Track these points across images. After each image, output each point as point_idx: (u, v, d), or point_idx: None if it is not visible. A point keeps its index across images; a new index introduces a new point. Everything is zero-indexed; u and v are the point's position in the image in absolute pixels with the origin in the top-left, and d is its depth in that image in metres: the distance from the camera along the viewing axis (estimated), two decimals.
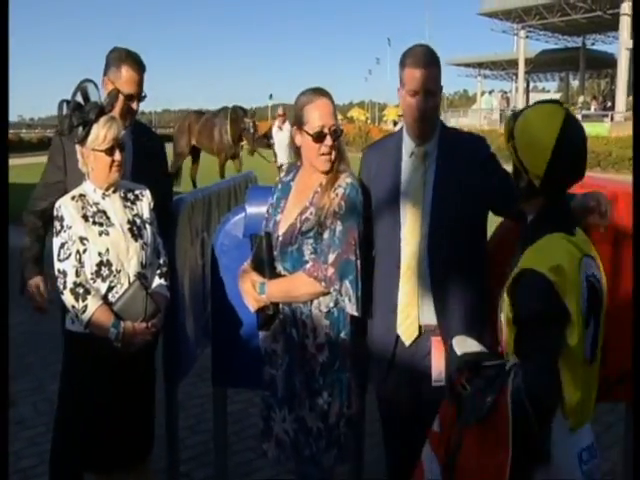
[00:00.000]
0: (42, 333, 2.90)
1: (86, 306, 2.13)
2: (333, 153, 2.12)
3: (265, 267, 2.16)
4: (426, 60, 2.12)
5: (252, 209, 2.58)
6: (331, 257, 2.06)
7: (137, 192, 2.37)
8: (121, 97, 2.47)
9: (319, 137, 2.10)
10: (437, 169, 2.17)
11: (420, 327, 2.17)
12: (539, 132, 1.60)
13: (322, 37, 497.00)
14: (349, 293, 2.07)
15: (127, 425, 2.27)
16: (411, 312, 2.16)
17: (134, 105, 2.54)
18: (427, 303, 2.16)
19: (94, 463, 2.29)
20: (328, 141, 2.10)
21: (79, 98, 2.19)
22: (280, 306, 2.16)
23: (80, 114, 2.15)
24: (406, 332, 2.17)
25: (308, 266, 2.09)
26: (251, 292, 2.19)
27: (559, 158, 1.58)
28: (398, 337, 2.19)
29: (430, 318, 2.15)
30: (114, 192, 2.28)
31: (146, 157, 2.61)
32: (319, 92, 2.15)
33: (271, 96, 44.21)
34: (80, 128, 2.15)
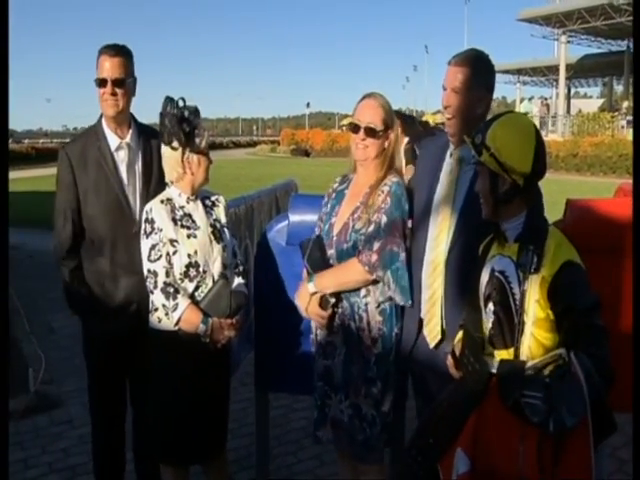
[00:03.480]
0: None
1: (177, 304, 2.24)
2: (369, 148, 2.27)
3: (321, 266, 2.27)
4: (460, 59, 2.16)
5: (295, 217, 2.64)
6: (376, 245, 2.18)
7: (213, 198, 2.50)
8: (97, 88, 2.45)
9: (354, 129, 2.29)
10: (473, 176, 2.14)
11: (443, 330, 2.17)
12: (522, 135, 1.82)
13: (359, 44, 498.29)
14: (390, 283, 2.19)
15: (206, 419, 2.38)
16: (435, 314, 2.17)
17: (118, 90, 2.45)
18: (451, 309, 2.15)
19: (176, 455, 2.39)
20: (361, 135, 2.27)
21: (171, 110, 2.27)
22: (340, 303, 2.26)
23: (189, 122, 2.27)
24: (430, 334, 2.18)
25: (358, 254, 2.21)
26: (302, 293, 2.31)
27: (539, 155, 1.80)
28: (419, 337, 2.22)
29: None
30: (195, 197, 2.40)
31: (154, 160, 2.57)
32: (370, 94, 2.34)
33: (308, 104, 44.42)
34: (182, 135, 2.26)
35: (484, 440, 1.67)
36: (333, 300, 2.25)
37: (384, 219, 2.19)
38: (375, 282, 2.22)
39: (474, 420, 1.70)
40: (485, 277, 1.88)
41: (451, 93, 2.14)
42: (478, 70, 2.15)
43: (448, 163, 2.24)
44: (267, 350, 2.76)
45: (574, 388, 1.56)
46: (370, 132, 2.26)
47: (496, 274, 1.83)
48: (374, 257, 2.17)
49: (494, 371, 1.73)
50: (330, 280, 2.25)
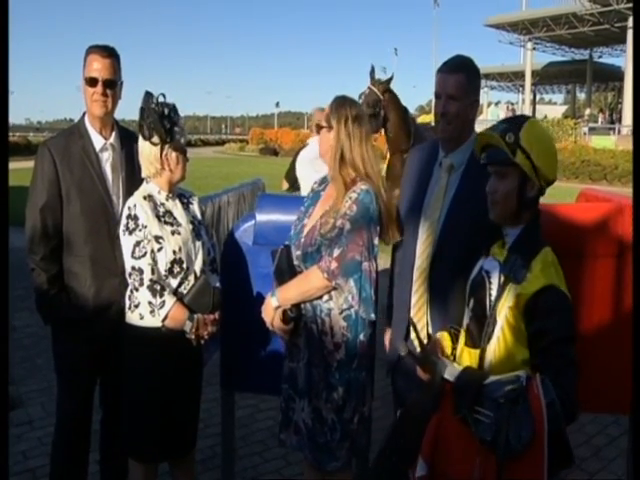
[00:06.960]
0: (50, 335, 3.00)
1: (164, 302, 2.24)
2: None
3: (286, 278, 2.24)
4: (452, 66, 2.17)
5: (262, 217, 2.63)
6: (336, 252, 2.12)
7: (187, 196, 2.50)
8: (87, 87, 2.43)
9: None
10: (460, 184, 2.18)
11: (430, 336, 2.18)
12: (551, 141, 1.77)
13: (329, 45, 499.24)
14: (353, 292, 2.13)
15: (182, 416, 2.38)
16: (420, 319, 2.20)
17: (107, 90, 2.45)
18: (434, 314, 2.19)
19: (152, 452, 2.37)
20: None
21: (152, 105, 2.25)
22: (302, 305, 2.23)
23: (169, 118, 2.26)
24: (416, 340, 2.16)
25: (319, 260, 2.18)
26: (267, 307, 2.28)
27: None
28: (407, 342, 2.20)
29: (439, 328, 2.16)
30: (173, 195, 2.39)
31: (136, 163, 2.49)
32: (336, 100, 2.28)
33: (278, 104, 44.34)
34: (160, 131, 2.24)
35: (443, 445, 1.64)
36: (293, 314, 2.22)
37: (347, 226, 2.12)
38: (336, 289, 2.17)
39: (434, 424, 1.67)
40: (474, 273, 1.89)
41: (449, 101, 2.14)
42: (471, 75, 2.18)
43: (437, 169, 2.26)
44: (233, 350, 2.74)
45: (525, 414, 1.49)
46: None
47: (482, 272, 1.84)
48: (334, 264, 2.11)
49: (449, 378, 1.67)
50: (292, 291, 2.21)
